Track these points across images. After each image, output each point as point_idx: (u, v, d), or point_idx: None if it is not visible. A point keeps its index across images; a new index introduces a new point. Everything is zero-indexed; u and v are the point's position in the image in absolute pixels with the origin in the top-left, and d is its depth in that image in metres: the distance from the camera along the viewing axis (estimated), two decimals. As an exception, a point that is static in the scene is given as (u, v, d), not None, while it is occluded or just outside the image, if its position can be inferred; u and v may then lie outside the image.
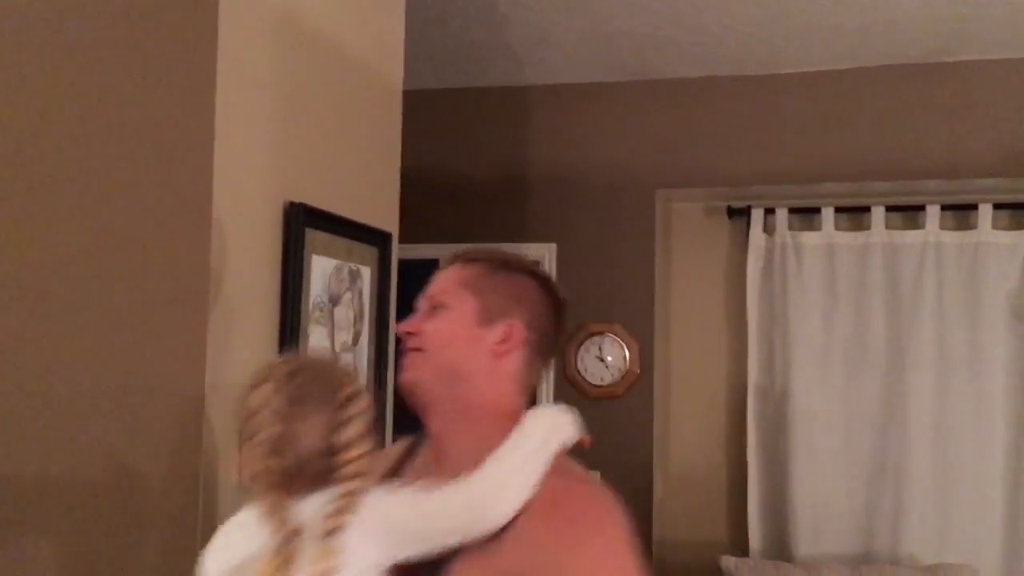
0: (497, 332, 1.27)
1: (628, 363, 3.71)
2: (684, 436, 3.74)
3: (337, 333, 2.21)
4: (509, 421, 1.22)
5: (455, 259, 1.37)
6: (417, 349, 1.29)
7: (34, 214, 1.86)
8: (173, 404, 1.75)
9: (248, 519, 1.19)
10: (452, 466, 1.19)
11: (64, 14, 1.87)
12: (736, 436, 3.67)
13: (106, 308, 1.80)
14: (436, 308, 1.31)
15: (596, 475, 1.39)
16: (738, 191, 3.70)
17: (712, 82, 3.71)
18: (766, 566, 3.17)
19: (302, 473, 1.16)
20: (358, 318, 2.31)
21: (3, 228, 1.86)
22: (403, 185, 2.57)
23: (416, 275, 3.70)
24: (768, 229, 3.65)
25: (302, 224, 2.03)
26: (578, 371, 3.74)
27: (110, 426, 1.77)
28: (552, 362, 1.42)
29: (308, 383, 1.20)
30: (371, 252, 2.36)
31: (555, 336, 1.35)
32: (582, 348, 3.74)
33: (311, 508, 1.14)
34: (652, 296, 3.73)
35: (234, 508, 1.27)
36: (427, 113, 3.75)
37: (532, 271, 1.37)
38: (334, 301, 2.19)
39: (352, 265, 2.28)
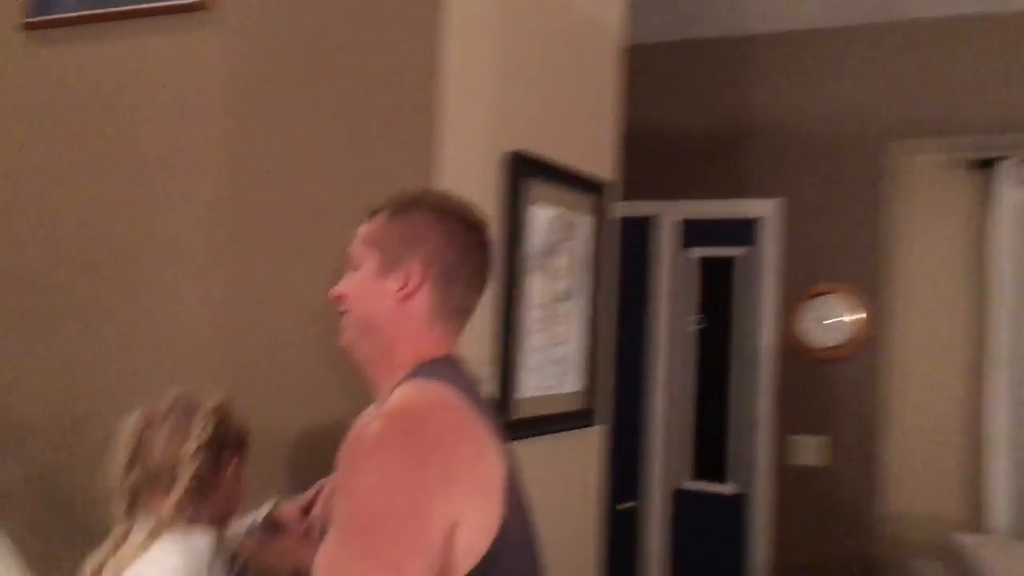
0: (397, 279, 1.29)
1: (855, 326, 3.52)
2: (913, 403, 3.52)
3: (553, 283, 2.24)
4: (416, 359, 1.27)
5: (367, 215, 1.38)
6: (343, 312, 1.35)
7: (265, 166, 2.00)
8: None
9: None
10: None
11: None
12: (971, 405, 3.41)
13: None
14: (352, 269, 1.35)
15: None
16: (983, 141, 3.39)
17: (954, 22, 3.42)
18: (1013, 545, 2.91)
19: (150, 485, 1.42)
20: (575, 268, 2.33)
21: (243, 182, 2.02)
22: (624, 141, 2.56)
23: (634, 233, 3.70)
24: None
25: (522, 173, 2.06)
26: (801, 332, 3.60)
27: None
28: (483, 283, 1.36)
29: (173, 411, 1.46)
30: (589, 202, 2.37)
31: (465, 261, 1.32)
32: (805, 309, 3.59)
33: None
34: (882, 256, 3.51)
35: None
36: (648, 68, 3.70)
37: (430, 205, 1.35)
38: (551, 250, 2.22)
39: (570, 215, 2.29)
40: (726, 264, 3.78)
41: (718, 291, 3.78)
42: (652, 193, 3.72)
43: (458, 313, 1.33)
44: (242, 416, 1.52)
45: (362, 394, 1.38)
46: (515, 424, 2.05)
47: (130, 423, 1.45)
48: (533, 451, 2.16)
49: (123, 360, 2.14)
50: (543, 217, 2.16)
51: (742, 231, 3.73)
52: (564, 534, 2.34)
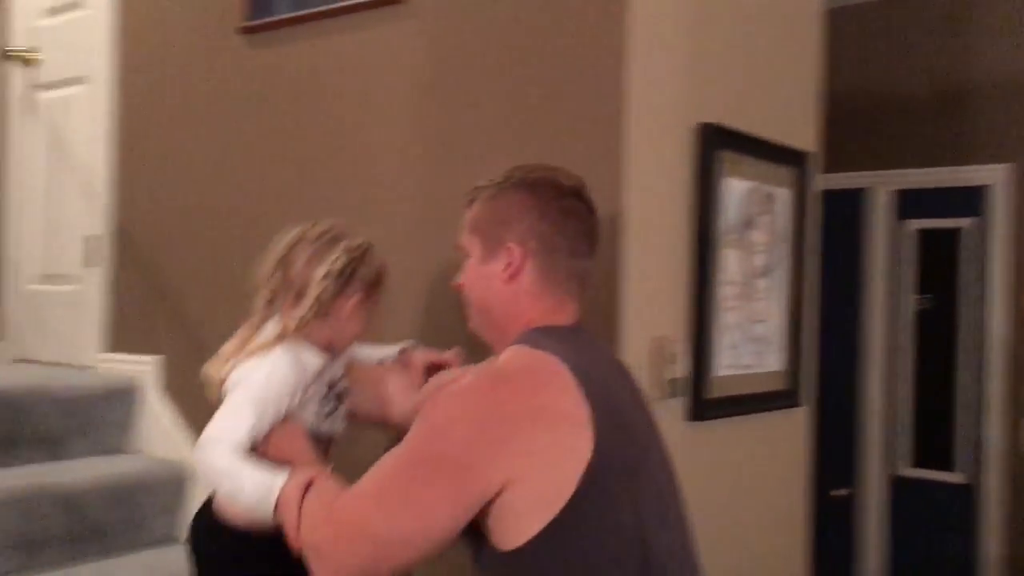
0: (500, 261, 1.32)
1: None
2: None
3: (751, 257, 2.15)
4: (533, 327, 1.30)
5: (465, 204, 1.41)
6: (466, 303, 1.40)
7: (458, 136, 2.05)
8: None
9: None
10: None
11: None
12: None
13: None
14: (463, 260, 1.40)
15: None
16: None
17: None
18: None
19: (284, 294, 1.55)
20: (774, 241, 2.24)
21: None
22: (827, 110, 2.43)
23: (843, 206, 3.51)
24: None
25: (715, 145, 2.00)
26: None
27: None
28: (589, 246, 1.36)
29: (322, 238, 1.57)
30: (788, 174, 2.26)
31: (563, 230, 1.32)
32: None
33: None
34: None
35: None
36: (854, 31, 3.49)
37: (517, 181, 1.36)
38: (748, 224, 2.14)
39: (768, 187, 2.20)
40: (949, 237, 3.50)
41: (940, 265, 3.51)
42: (863, 163, 3.51)
43: (568, 280, 1.34)
44: (383, 263, 1.60)
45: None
46: (712, 403, 2.00)
47: (287, 235, 1.60)
48: (732, 431, 2.11)
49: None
50: (738, 190, 2.09)
51: (967, 200, 3.44)
52: (768, 518, 2.26)
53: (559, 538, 1.14)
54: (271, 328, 1.55)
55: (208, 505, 1.58)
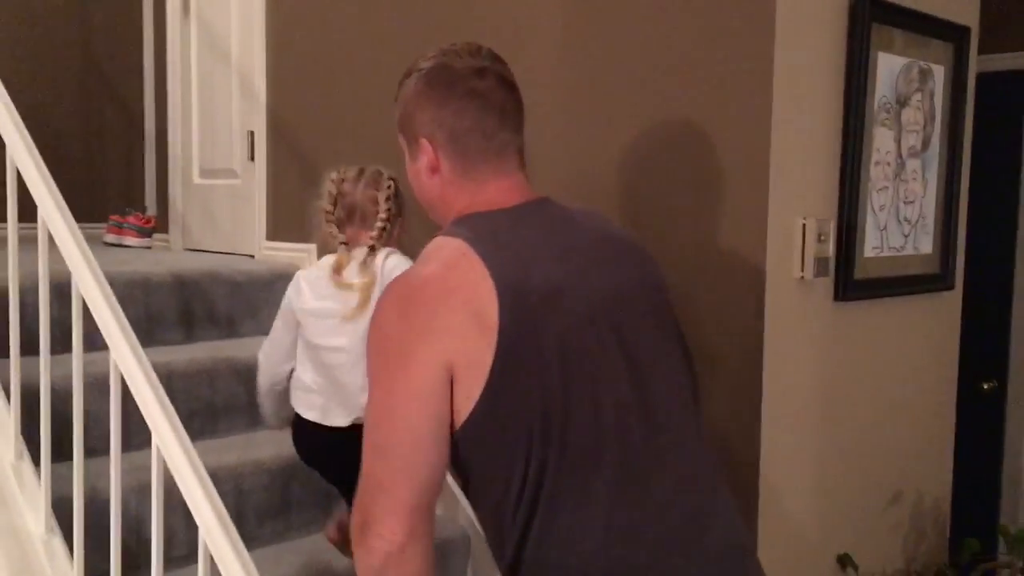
0: (421, 159, 1.32)
1: None
2: None
3: (904, 136, 2.10)
4: (462, 210, 1.30)
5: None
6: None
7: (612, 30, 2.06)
8: (737, 222, 1.86)
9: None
10: None
11: None
12: None
13: (680, 101, 1.94)
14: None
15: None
16: None
17: None
18: None
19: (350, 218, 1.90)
20: (928, 121, 2.17)
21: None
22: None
23: (1003, 89, 3.33)
24: None
25: (868, 19, 1.94)
26: None
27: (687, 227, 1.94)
28: (500, 120, 1.30)
29: (364, 174, 1.92)
30: (945, 49, 2.18)
31: (463, 112, 1.28)
32: None
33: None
34: None
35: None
36: None
37: (409, 73, 1.33)
38: (901, 102, 2.08)
39: (923, 63, 2.12)
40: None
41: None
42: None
43: (487, 161, 1.30)
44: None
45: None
46: (859, 284, 2.00)
47: (327, 178, 1.94)
48: (879, 312, 2.10)
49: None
50: (892, 66, 2.03)
51: None
52: (916, 404, 2.26)
53: (484, 412, 1.16)
54: (358, 249, 1.87)
55: None
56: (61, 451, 1.74)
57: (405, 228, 1.93)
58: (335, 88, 2.77)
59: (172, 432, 1.42)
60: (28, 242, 1.74)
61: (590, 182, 2.07)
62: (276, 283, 2.79)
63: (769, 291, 1.83)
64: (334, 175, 1.93)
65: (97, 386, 1.89)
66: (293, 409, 1.95)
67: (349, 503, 1.71)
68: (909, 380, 2.23)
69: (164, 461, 1.43)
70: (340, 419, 1.87)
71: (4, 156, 1.79)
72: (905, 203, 2.13)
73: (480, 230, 1.23)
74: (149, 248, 3.39)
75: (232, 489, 2.16)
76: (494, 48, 1.34)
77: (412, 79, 1.33)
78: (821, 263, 1.90)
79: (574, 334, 1.19)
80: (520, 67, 1.40)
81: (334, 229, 1.90)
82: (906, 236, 2.15)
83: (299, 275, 1.98)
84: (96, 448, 1.86)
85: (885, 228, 2.08)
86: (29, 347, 1.82)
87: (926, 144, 2.18)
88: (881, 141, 2.03)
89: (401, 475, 1.16)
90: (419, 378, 1.16)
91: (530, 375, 1.16)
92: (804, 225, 1.87)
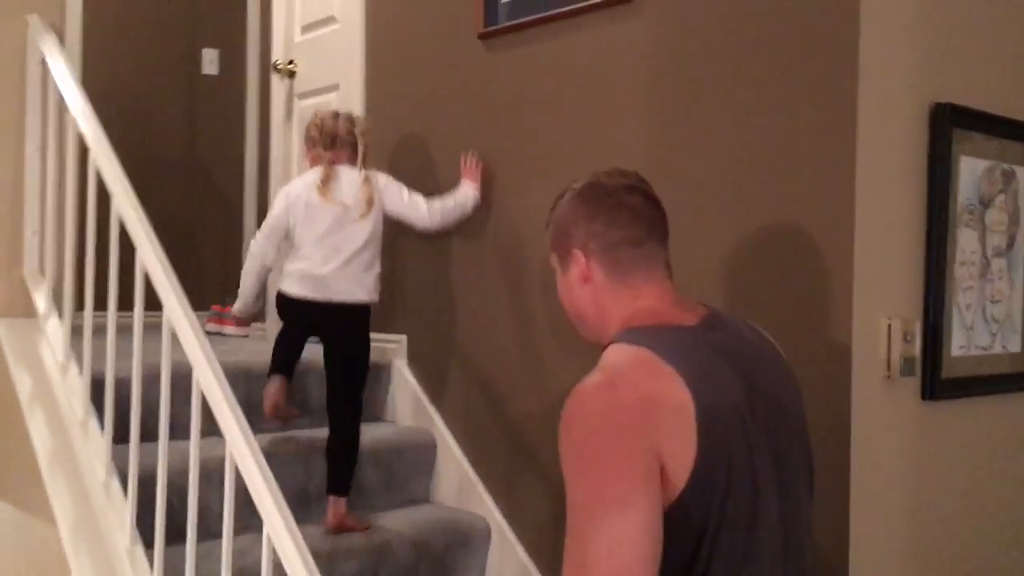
0: (573, 270, 1.43)
1: None
2: None
3: (988, 236, 2.12)
4: (628, 323, 1.34)
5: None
6: (568, 316, 1.51)
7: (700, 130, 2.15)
8: (823, 322, 1.90)
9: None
10: None
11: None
12: None
13: (764, 201, 2.01)
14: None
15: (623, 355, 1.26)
16: None
17: None
18: None
19: (332, 144, 2.59)
20: (1012, 221, 2.19)
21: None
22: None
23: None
24: None
25: (949, 124, 1.99)
26: None
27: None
28: (646, 233, 1.40)
29: (340, 113, 2.68)
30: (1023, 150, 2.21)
31: (614, 225, 1.39)
32: None
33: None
34: None
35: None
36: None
37: (573, 190, 1.45)
38: (985, 203, 2.11)
39: (1005, 166, 2.16)
40: None
41: None
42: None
43: (638, 268, 1.39)
44: None
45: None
46: (947, 383, 2.00)
47: (313, 120, 2.65)
48: (968, 412, 2.09)
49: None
50: (974, 168, 2.07)
51: None
52: (1010, 502, 2.22)
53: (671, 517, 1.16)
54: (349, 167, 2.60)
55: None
56: (171, 536, 1.83)
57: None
58: (422, 189, 2.91)
59: (282, 520, 1.50)
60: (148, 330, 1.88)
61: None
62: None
63: (855, 391, 1.85)
64: (318, 114, 2.66)
65: (205, 473, 2.00)
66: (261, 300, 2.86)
67: (351, 382, 2.55)
68: (1001, 480, 2.20)
69: (273, 547, 1.51)
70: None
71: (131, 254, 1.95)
72: (992, 302, 2.14)
73: (664, 342, 1.26)
74: (247, 337, 3.55)
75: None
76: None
77: (565, 198, 1.46)
78: (908, 363, 1.91)
79: (743, 450, 1.22)
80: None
81: (320, 151, 2.57)
82: (993, 335, 2.15)
83: (285, 190, 2.61)
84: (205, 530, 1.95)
85: (972, 327, 2.09)
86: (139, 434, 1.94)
87: (1011, 243, 2.19)
88: (966, 241, 2.06)
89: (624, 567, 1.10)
90: (646, 472, 1.14)
91: (714, 486, 1.18)
92: (890, 325, 1.90)
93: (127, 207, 1.93)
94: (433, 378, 2.89)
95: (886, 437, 1.92)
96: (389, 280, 3.04)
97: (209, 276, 4.14)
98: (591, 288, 1.41)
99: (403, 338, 2.99)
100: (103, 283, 2.03)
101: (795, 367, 1.93)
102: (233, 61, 4.37)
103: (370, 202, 2.54)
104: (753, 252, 2.03)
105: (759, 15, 2.02)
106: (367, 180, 2.57)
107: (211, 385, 1.66)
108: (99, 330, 2.09)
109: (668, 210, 1.44)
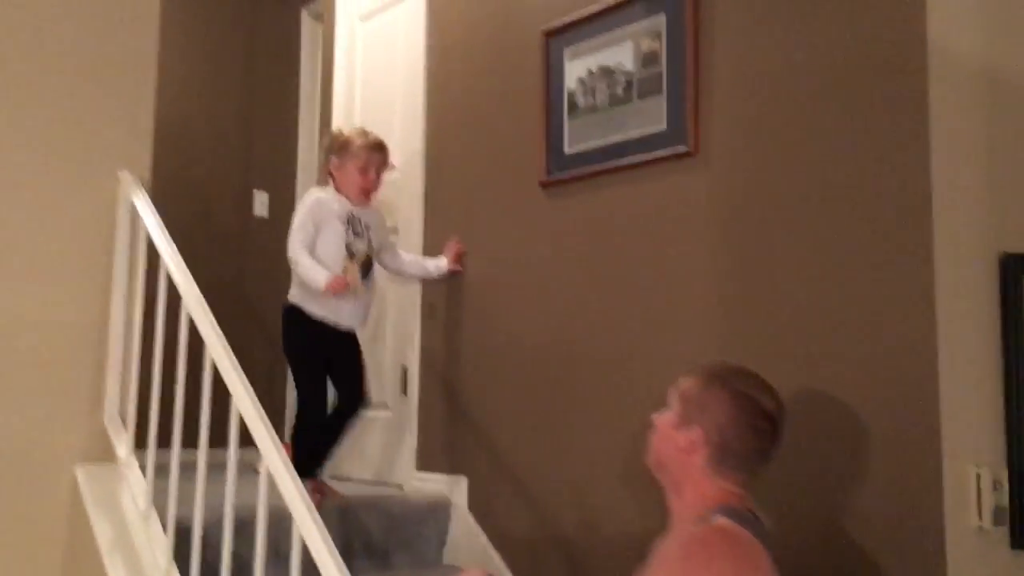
0: (685, 435, 1.64)
1: None
2: None
3: (1063, 382, 2.15)
4: (702, 501, 1.59)
5: (690, 371, 1.73)
6: (650, 441, 1.73)
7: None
8: (914, 472, 1.91)
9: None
10: (673, 524, 1.65)
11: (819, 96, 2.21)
12: None
13: (844, 357, 2.04)
14: (666, 407, 1.72)
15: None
16: None
17: None
18: None
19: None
20: (1084, 366, 2.22)
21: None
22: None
23: None
24: None
25: (1018, 272, 2.05)
26: None
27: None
28: (759, 459, 1.63)
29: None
30: (1093, 297, 2.26)
31: (743, 441, 1.61)
32: None
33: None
34: None
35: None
36: None
37: (731, 386, 1.64)
38: (1057, 349, 2.14)
39: (1072, 311, 2.20)
40: None
41: None
42: None
43: (733, 473, 1.62)
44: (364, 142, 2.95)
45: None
46: (1035, 532, 1.99)
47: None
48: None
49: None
50: (1045, 316, 2.11)
51: None
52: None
53: None
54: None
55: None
56: None
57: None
58: (486, 329, 2.97)
59: None
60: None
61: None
62: (427, 517, 2.88)
63: (949, 541, 1.84)
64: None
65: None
66: None
67: (352, 392, 2.85)
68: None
69: None
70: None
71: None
72: (1070, 448, 2.15)
73: (755, 528, 1.54)
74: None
75: None
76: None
77: (726, 385, 1.65)
78: (1000, 512, 1.91)
79: None
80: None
81: None
82: (1075, 482, 2.14)
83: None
84: None
85: (1053, 474, 2.08)
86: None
87: (1083, 390, 2.21)
88: (1041, 389, 2.08)
89: None
90: None
91: None
92: (979, 475, 1.90)
93: (221, 354, 1.98)
94: (495, 521, 2.85)
95: (982, 588, 1.90)
96: (445, 417, 3.06)
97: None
98: (688, 459, 1.63)
99: (462, 479, 2.98)
100: (192, 427, 2.06)
101: (886, 521, 1.93)
102: (282, 204, 4.53)
103: None
104: (837, 406, 2.05)
105: (826, 167, 2.11)
106: None
107: (311, 533, 1.67)
108: (182, 472, 2.12)
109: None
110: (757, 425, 1.62)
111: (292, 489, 1.74)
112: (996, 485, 1.92)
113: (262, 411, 1.89)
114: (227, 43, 4.47)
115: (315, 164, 4.57)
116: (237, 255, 4.50)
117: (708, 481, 1.62)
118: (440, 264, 3.07)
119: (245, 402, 1.89)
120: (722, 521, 1.53)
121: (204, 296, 2.11)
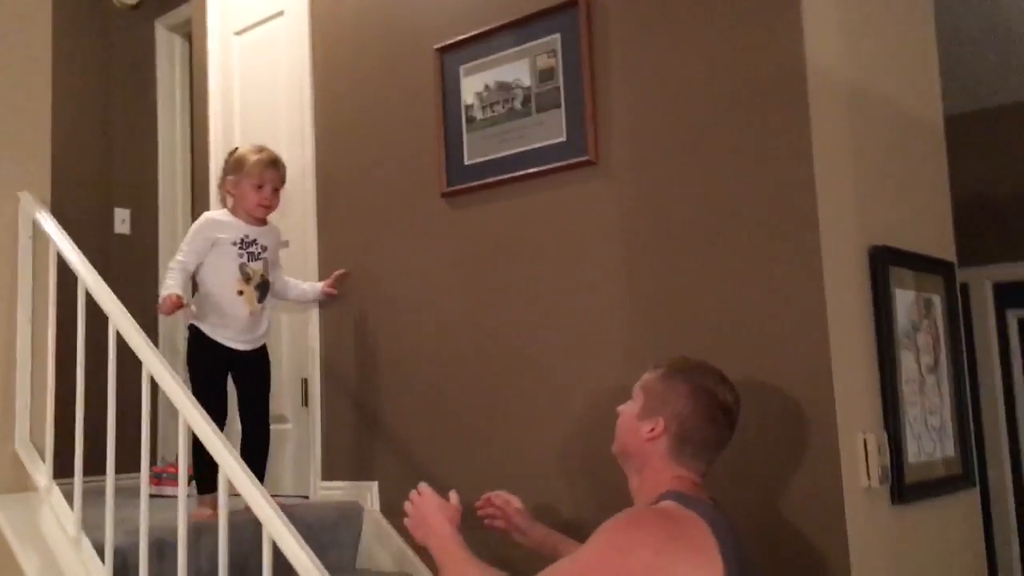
0: (647, 425, 1.77)
1: None
2: None
3: (921, 357, 2.47)
4: (656, 487, 1.72)
5: (653, 365, 1.87)
6: (616, 432, 1.86)
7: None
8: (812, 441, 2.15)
9: None
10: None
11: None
12: None
13: (745, 349, 2.27)
14: (631, 399, 1.86)
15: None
16: None
17: None
18: None
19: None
20: (935, 343, 2.55)
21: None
22: (958, 210, 2.78)
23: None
24: None
25: (884, 262, 2.34)
26: None
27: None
28: (714, 448, 1.78)
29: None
30: (939, 282, 2.60)
31: (705, 432, 1.76)
32: None
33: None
34: None
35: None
36: (969, 136, 3.87)
37: (692, 379, 1.78)
38: (915, 328, 2.46)
39: (925, 295, 2.53)
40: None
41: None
42: (996, 256, 3.85)
43: (692, 460, 1.76)
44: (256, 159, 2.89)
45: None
46: (910, 488, 2.28)
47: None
48: (926, 513, 2.37)
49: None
50: (906, 299, 2.42)
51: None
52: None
53: None
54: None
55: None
56: None
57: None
58: (387, 338, 3.03)
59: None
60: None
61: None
62: (339, 523, 2.91)
63: (847, 501, 2.08)
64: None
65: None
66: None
67: (253, 426, 2.87)
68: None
69: None
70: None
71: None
72: (930, 414, 2.47)
73: (706, 514, 1.63)
74: (190, 496, 3.46)
75: None
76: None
77: (687, 378, 1.78)
78: (884, 471, 2.19)
79: None
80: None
81: None
82: (935, 443, 2.47)
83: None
84: None
85: (919, 437, 2.40)
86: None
87: (936, 362, 2.55)
88: (907, 363, 2.39)
89: None
90: None
91: None
92: (866, 441, 2.17)
93: (159, 367, 1.98)
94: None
95: (873, 544, 2.16)
96: (350, 425, 3.10)
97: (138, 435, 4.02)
98: (650, 447, 1.76)
99: (372, 485, 3.03)
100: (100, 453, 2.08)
101: (792, 486, 2.16)
102: (144, 221, 4.43)
103: None
104: (744, 390, 2.26)
105: (722, 176, 2.32)
106: None
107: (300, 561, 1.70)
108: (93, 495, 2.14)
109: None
110: (715, 416, 1.76)
111: (259, 498, 1.77)
112: (880, 449, 2.20)
113: (215, 426, 1.91)
114: (81, 54, 4.30)
115: (177, 180, 4.48)
116: (100, 272, 4.32)
117: (667, 469, 1.74)
118: (316, 287, 3.15)
119: (195, 417, 1.90)
120: (666, 503, 1.65)
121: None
